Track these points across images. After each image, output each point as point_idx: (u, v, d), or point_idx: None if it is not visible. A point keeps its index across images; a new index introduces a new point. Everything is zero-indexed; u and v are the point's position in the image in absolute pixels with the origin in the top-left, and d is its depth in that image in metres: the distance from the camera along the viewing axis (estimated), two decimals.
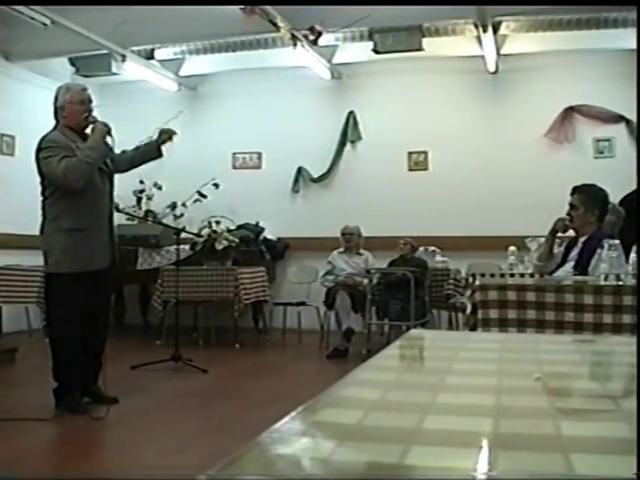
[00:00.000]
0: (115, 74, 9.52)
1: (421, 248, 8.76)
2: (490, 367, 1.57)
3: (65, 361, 5.17)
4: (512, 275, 7.05)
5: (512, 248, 7.82)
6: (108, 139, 5.30)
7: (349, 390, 1.30)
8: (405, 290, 7.69)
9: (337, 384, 1.27)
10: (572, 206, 5.21)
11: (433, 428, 1.02)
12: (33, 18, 7.51)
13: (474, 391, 1.28)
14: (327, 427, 1.04)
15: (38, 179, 5.26)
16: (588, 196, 5.20)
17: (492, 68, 9.54)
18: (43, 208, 5.25)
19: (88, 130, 5.35)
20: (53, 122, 5.38)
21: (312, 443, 0.98)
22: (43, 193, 5.25)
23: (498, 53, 9.20)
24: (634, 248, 4.00)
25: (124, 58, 9.11)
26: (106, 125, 5.27)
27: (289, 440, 0.95)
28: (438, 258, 8.80)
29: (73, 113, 5.27)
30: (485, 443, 0.94)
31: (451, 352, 1.80)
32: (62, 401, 5.16)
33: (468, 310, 4.35)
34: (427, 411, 1.10)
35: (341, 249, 8.81)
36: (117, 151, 5.67)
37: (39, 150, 5.16)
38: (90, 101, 5.39)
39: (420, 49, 8.47)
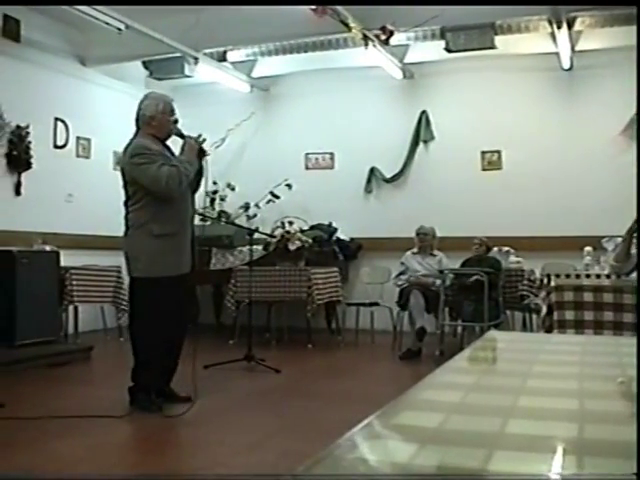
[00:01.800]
0: (188, 76, 9.61)
1: (495, 248, 8.66)
2: (571, 370, 1.54)
3: (148, 363, 5.25)
4: (588, 276, 6.94)
5: (588, 248, 7.70)
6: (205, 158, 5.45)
7: (428, 393, 1.29)
8: (478, 291, 7.60)
9: (416, 386, 1.26)
10: None
11: (516, 432, 1.00)
12: (108, 23, 7.62)
13: (556, 395, 1.25)
14: (408, 430, 1.04)
15: (121, 183, 5.32)
16: None
17: (567, 65, 9.37)
18: (127, 215, 5.29)
19: (169, 141, 5.45)
20: (126, 125, 5.45)
21: (393, 446, 0.97)
22: (127, 200, 5.29)
23: (573, 49, 9.02)
24: None
25: (197, 61, 9.19)
26: (197, 141, 5.38)
27: (370, 443, 0.95)
28: (512, 258, 8.69)
29: (164, 124, 5.35)
30: (571, 449, 0.92)
31: (530, 354, 1.78)
32: (137, 399, 5.25)
33: (543, 311, 4.30)
34: (509, 415, 1.08)
35: (414, 249, 8.73)
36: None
37: (132, 156, 5.18)
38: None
39: (493, 47, 8.35)
